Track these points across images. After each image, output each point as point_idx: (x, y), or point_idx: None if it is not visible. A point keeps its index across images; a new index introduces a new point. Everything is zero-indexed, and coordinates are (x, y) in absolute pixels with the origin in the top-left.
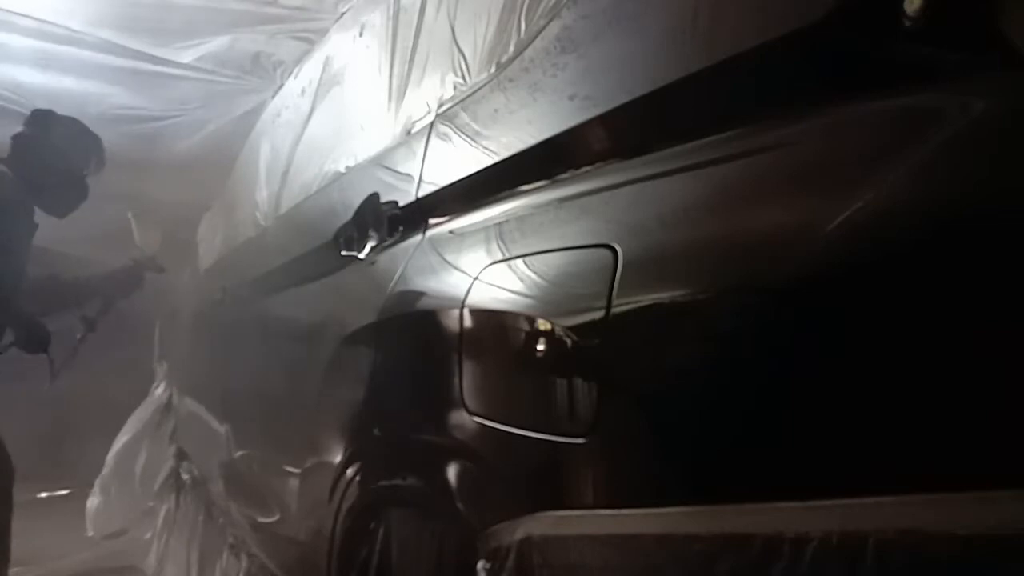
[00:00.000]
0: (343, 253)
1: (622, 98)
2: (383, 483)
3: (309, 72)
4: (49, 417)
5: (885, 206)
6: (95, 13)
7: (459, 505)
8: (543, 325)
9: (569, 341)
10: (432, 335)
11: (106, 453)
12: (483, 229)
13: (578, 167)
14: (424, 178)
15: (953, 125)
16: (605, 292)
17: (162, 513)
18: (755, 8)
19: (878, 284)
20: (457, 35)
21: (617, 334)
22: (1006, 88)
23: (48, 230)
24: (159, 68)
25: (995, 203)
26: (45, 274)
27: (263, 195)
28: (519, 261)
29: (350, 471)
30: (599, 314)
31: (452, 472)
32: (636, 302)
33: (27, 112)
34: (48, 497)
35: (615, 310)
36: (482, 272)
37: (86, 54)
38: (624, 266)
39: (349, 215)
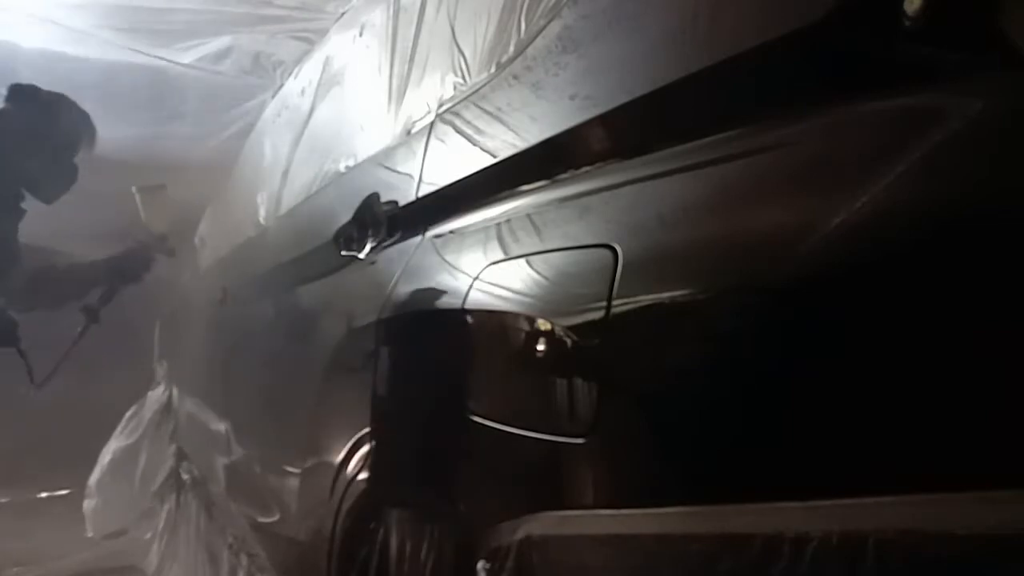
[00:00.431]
0: (343, 253)
1: (622, 98)
2: (383, 483)
3: (309, 72)
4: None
5: (885, 206)
6: (96, 14)
7: (459, 505)
8: (543, 325)
9: (569, 341)
10: (432, 335)
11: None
12: (483, 229)
13: (578, 167)
14: (424, 178)
15: (953, 125)
16: (605, 292)
17: (162, 513)
18: (755, 8)
19: (878, 284)
20: (457, 35)
21: (617, 334)
22: (1006, 88)
23: (44, 228)
24: (160, 67)
25: (995, 203)
26: (38, 266)
27: (263, 195)
28: (519, 261)
29: (350, 471)
30: (599, 314)
31: (452, 472)
32: (636, 302)
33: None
34: (48, 497)
35: (615, 310)
36: (482, 272)
37: (89, 53)
38: (624, 266)
39: (349, 215)
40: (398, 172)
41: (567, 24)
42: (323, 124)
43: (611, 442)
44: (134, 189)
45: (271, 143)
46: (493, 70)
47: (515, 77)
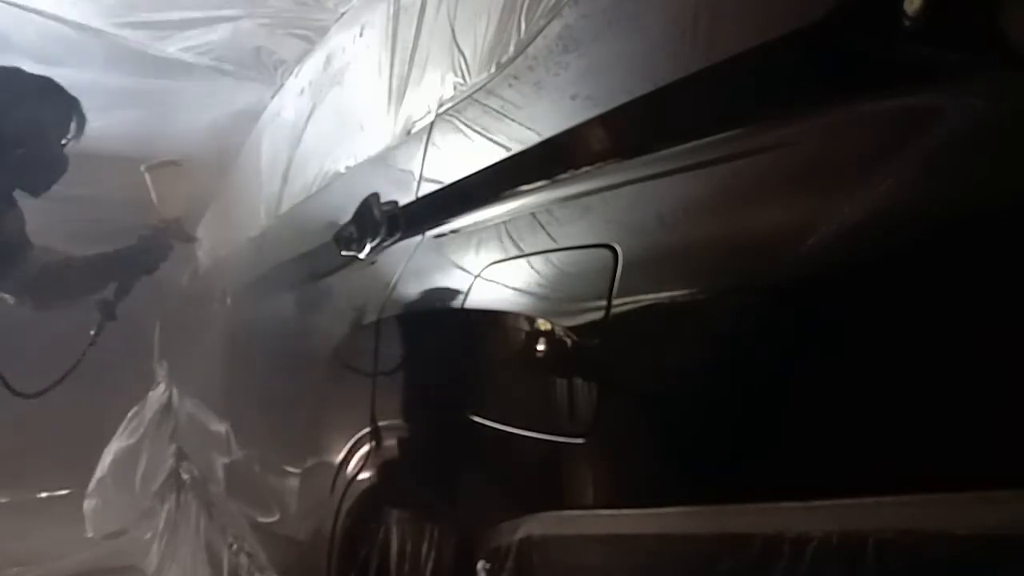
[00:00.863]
0: (343, 253)
1: (622, 98)
2: (383, 483)
3: (309, 72)
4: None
5: (885, 206)
6: (95, 5)
7: (459, 505)
8: (543, 325)
9: (569, 341)
10: (432, 335)
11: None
12: (483, 229)
13: (578, 167)
14: (424, 178)
15: (953, 125)
16: (605, 292)
17: (162, 513)
18: (755, 8)
19: (878, 284)
20: (457, 35)
21: (617, 334)
22: (1006, 88)
23: (42, 226)
24: (159, 73)
25: (995, 203)
26: (59, 259)
27: (263, 195)
28: (519, 261)
29: (350, 471)
30: (599, 314)
31: (452, 472)
32: (636, 302)
33: None
34: (48, 497)
35: (615, 310)
36: (482, 272)
37: (87, 49)
38: (624, 266)
39: (349, 215)
40: (398, 172)
41: (567, 24)
42: (323, 124)
43: (611, 442)
44: (143, 168)
45: (271, 143)
46: (493, 70)
47: (515, 77)
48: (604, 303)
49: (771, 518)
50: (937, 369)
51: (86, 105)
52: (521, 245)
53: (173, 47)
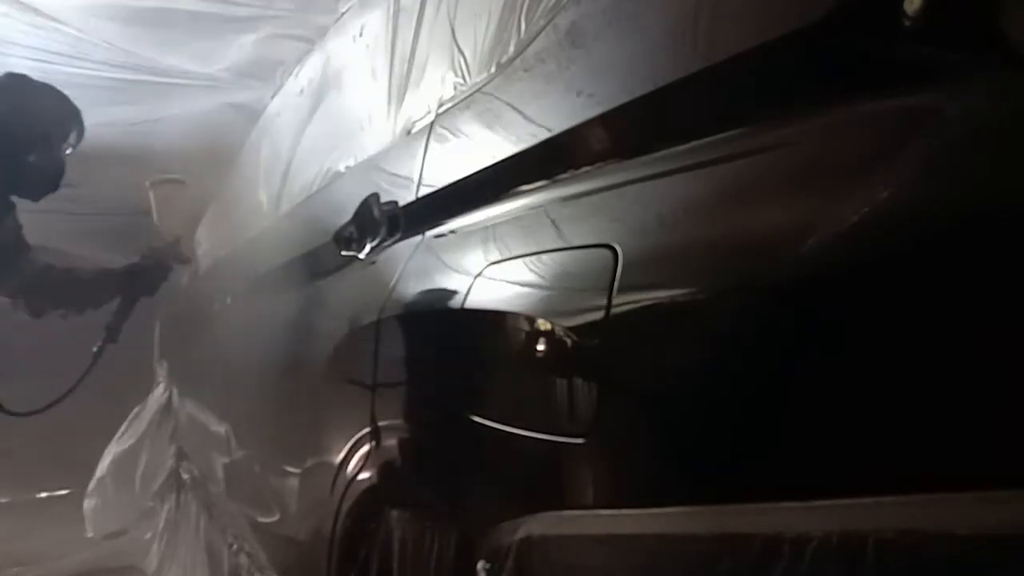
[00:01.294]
0: (343, 253)
1: (622, 98)
2: (383, 483)
3: (309, 72)
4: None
5: (885, 206)
6: (96, 26)
7: (459, 505)
8: (543, 325)
9: (569, 341)
10: (432, 335)
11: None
12: (483, 229)
13: (578, 167)
14: (424, 178)
15: (953, 125)
16: (605, 292)
17: (162, 513)
18: (755, 8)
19: (878, 284)
20: (457, 35)
21: (617, 334)
22: (1006, 88)
23: (38, 223)
24: (159, 72)
25: (995, 203)
26: (63, 268)
27: (263, 195)
28: (519, 261)
29: (350, 471)
30: (599, 314)
31: (452, 472)
32: (636, 302)
33: None
34: (48, 497)
35: (615, 310)
36: (482, 272)
37: (86, 55)
38: (624, 266)
39: (349, 215)
40: (398, 172)
41: (567, 24)
42: (323, 124)
43: (611, 442)
44: (148, 184)
45: (271, 143)
46: (493, 70)
47: (515, 77)
48: (604, 303)
49: (771, 518)
50: (937, 369)
51: (85, 102)
52: (521, 245)
53: (173, 55)
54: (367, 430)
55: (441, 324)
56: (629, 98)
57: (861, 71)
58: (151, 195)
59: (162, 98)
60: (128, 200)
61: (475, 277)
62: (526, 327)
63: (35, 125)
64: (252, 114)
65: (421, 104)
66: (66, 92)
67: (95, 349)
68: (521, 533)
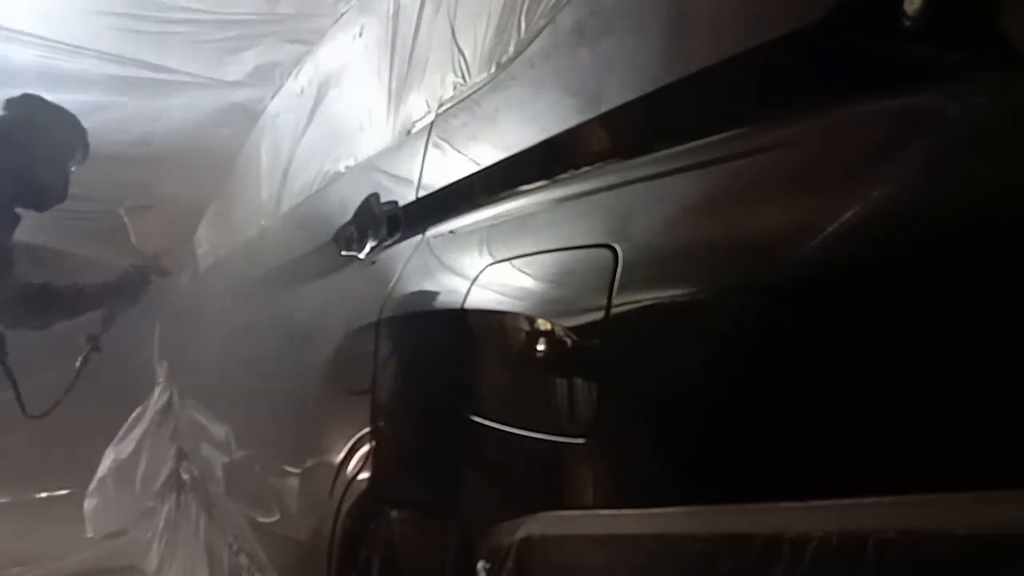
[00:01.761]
0: (343, 253)
1: (622, 98)
2: (383, 483)
3: (308, 72)
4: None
5: (885, 206)
6: (96, 33)
7: (459, 505)
8: (543, 325)
9: (569, 341)
10: (432, 335)
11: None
12: (483, 229)
13: (578, 167)
14: (424, 178)
15: (953, 125)
16: (605, 292)
17: (162, 513)
18: (755, 8)
19: (878, 284)
20: (457, 35)
21: (617, 334)
22: (1006, 88)
23: (36, 222)
24: (159, 71)
25: (995, 203)
26: (39, 282)
27: (263, 195)
28: (519, 261)
29: (350, 471)
30: (599, 314)
31: (452, 472)
32: (636, 302)
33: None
34: (48, 497)
35: (615, 310)
36: (482, 272)
37: (85, 63)
38: (624, 266)
39: (349, 215)
40: (398, 172)
41: (567, 24)
42: (323, 124)
43: (611, 442)
44: (121, 211)
45: (271, 143)
46: (493, 70)
47: (515, 77)
48: (604, 303)
49: (771, 518)
50: (937, 369)
51: (85, 100)
52: (521, 245)
53: (174, 59)
54: (367, 430)
55: (441, 324)
56: (629, 98)
57: (861, 71)
58: (126, 220)
59: (162, 98)
60: (128, 200)
61: (475, 277)
62: (526, 327)
63: (46, 142)
64: (252, 114)
65: (421, 104)
66: (66, 92)
67: (81, 359)
68: (521, 533)
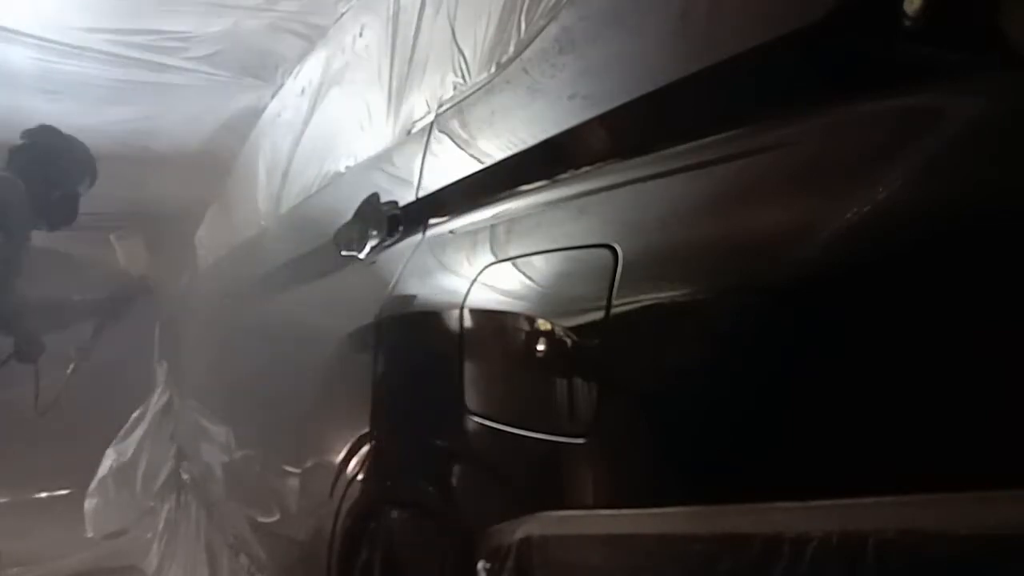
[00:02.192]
0: (343, 253)
1: (622, 98)
2: (383, 483)
3: (309, 72)
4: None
5: (885, 206)
6: (94, 17)
7: (459, 505)
8: (543, 325)
9: (569, 341)
10: (432, 335)
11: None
12: (483, 229)
13: (578, 167)
14: (424, 178)
15: (953, 125)
16: (605, 292)
17: (162, 513)
18: (755, 8)
19: (878, 284)
20: (457, 35)
21: (617, 334)
22: (1006, 88)
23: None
24: (159, 71)
25: (995, 203)
26: (35, 296)
27: (263, 195)
28: (519, 261)
29: (350, 471)
30: (599, 314)
31: (452, 472)
32: (636, 302)
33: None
34: (48, 497)
35: (615, 310)
36: (482, 272)
37: (85, 64)
38: (624, 266)
39: (349, 215)
40: (398, 172)
41: (567, 24)
42: (323, 124)
43: (611, 442)
44: (112, 238)
45: (271, 143)
46: (493, 70)
47: (515, 77)
48: (604, 303)
49: (771, 518)
50: (937, 369)
51: (85, 101)
52: (521, 245)
53: (174, 58)
54: (367, 430)
55: (441, 324)
56: (629, 98)
57: (861, 71)
58: (116, 246)
59: (162, 98)
60: (128, 200)
61: (475, 277)
62: (526, 327)
63: (59, 169)
64: (252, 114)
65: (421, 104)
66: (66, 91)
67: (70, 369)
68: (521, 533)
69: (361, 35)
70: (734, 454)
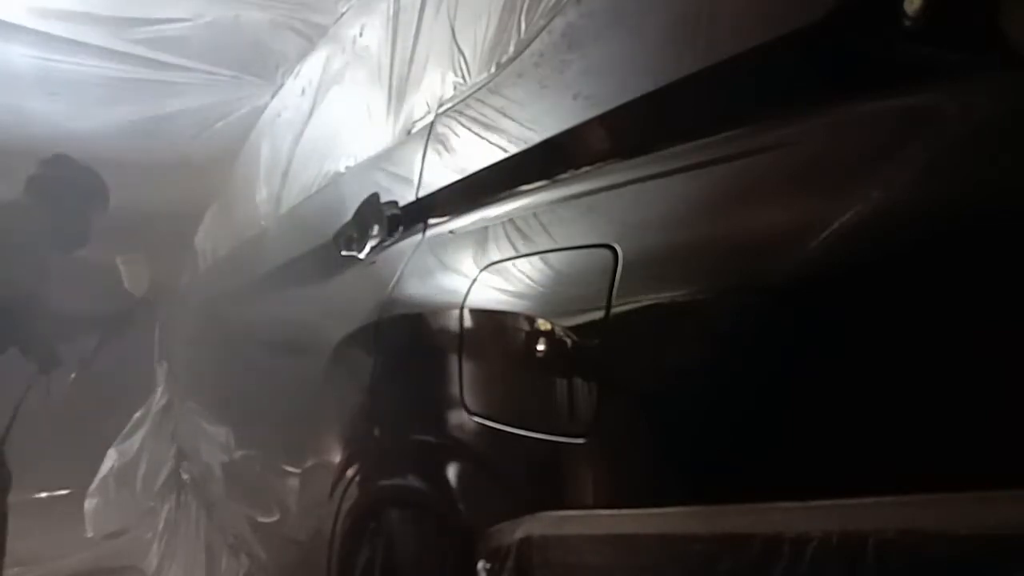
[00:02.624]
0: (343, 253)
1: (622, 98)
2: (383, 483)
3: (309, 72)
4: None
5: (885, 206)
6: (91, 4)
7: (459, 505)
8: (543, 325)
9: (569, 341)
10: (432, 335)
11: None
12: (483, 229)
13: (578, 167)
14: (424, 178)
15: (953, 125)
16: (605, 292)
17: (162, 513)
18: (755, 8)
19: (878, 284)
20: (457, 35)
21: (617, 334)
22: (1006, 88)
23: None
24: (158, 69)
25: (995, 203)
26: (40, 309)
27: (263, 195)
28: (519, 261)
29: (350, 471)
30: (599, 314)
31: (452, 472)
32: (636, 302)
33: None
34: (48, 497)
35: (615, 310)
36: (482, 272)
37: (86, 63)
38: (624, 266)
39: (349, 215)
40: (398, 172)
41: (568, 24)
42: (323, 124)
43: (611, 442)
44: (118, 260)
45: (271, 143)
46: (493, 70)
47: (515, 77)
48: (604, 303)
49: (771, 518)
50: (937, 369)
51: (85, 101)
52: (521, 245)
53: (174, 55)
54: (367, 430)
55: (441, 324)
56: (629, 98)
57: (861, 71)
58: (121, 268)
59: (162, 98)
60: (128, 200)
61: (475, 277)
62: (526, 327)
63: (73, 196)
64: (252, 114)
65: (421, 104)
66: (66, 91)
67: (71, 377)
68: (521, 533)
69: (361, 35)
70: (734, 454)
